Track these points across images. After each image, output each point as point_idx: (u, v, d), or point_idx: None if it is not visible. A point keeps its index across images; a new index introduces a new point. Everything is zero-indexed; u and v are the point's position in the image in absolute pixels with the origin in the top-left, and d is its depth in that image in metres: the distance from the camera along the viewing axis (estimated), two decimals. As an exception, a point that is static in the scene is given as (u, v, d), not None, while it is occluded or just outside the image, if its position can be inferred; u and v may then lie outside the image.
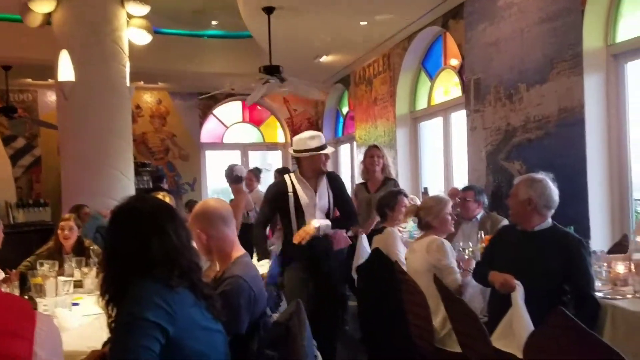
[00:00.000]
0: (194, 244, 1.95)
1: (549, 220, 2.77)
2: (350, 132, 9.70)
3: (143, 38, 6.39)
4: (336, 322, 3.91)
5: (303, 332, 1.86)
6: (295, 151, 3.67)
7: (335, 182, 3.76)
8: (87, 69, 5.89)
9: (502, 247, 2.89)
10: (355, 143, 9.28)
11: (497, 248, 2.91)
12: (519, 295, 2.54)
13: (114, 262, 1.67)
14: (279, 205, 3.67)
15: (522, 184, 2.81)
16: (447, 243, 3.27)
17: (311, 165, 3.63)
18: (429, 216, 3.35)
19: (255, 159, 11.28)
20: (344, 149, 10.41)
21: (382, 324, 3.80)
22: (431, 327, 3.03)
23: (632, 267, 2.86)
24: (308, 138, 3.65)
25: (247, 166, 10.86)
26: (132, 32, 6.36)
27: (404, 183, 7.68)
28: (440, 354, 3.02)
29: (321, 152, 3.61)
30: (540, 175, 2.83)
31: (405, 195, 4.38)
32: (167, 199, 3.40)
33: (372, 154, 4.90)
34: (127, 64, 6.25)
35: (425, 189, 6.95)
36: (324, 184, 3.69)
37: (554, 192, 2.77)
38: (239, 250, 2.20)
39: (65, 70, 5.96)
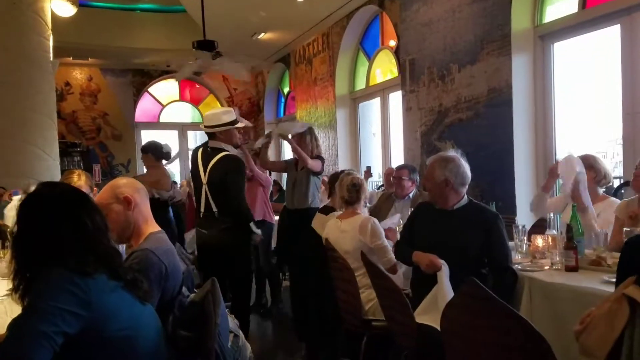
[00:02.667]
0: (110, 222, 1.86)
1: (465, 196, 2.82)
2: (292, 112, 9.61)
3: (67, 10, 6.08)
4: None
5: (217, 311, 1.81)
6: (208, 127, 3.70)
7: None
8: (6, 40, 5.52)
9: (421, 225, 2.90)
10: (296, 123, 9.20)
11: (416, 226, 2.93)
12: (444, 274, 2.58)
13: (24, 253, 1.59)
14: None
15: (436, 166, 2.78)
16: (377, 222, 3.30)
17: (228, 140, 3.72)
18: (363, 194, 3.40)
19: (195, 139, 11.02)
20: (286, 129, 10.29)
21: (314, 300, 3.83)
22: (359, 302, 3.07)
23: (550, 240, 2.97)
24: (222, 113, 3.76)
25: (185, 146, 10.64)
26: (56, 3, 6.03)
27: (343, 162, 7.73)
28: (366, 325, 3.06)
29: (236, 125, 3.72)
30: (452, 153, 2.83)
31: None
32: (83, 178, 3.23)
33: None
34: (50, 37, 5.90)
35: (369, 167, 6.97)
36: None
37: (467, 168, 2.79)
38: (154, 227, 2.13)
39: (-19, 42, 5.55)
